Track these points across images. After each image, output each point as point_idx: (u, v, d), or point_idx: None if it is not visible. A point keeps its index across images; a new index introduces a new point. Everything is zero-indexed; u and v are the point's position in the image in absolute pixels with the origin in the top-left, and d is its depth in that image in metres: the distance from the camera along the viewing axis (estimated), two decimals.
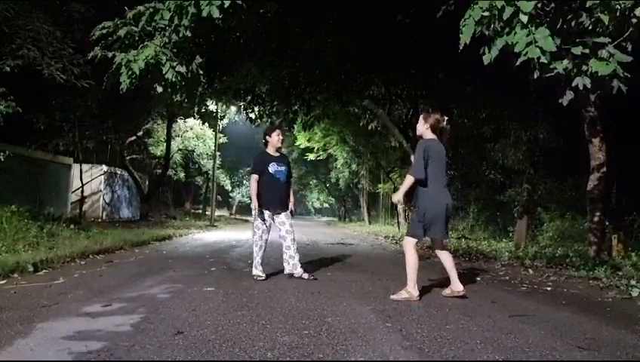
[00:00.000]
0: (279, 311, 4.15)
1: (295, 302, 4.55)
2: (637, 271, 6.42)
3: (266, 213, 5.91)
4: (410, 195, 5.08)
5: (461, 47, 4.29)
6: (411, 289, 4.77)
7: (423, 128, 4.94)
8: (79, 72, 9.66)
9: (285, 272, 6.10)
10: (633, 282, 5.82)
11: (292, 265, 6.02)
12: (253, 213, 5.92)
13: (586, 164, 8.18)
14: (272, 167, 5.95)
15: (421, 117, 5.02)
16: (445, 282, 5.26)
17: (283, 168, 6.05)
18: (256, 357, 2.86)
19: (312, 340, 3.24)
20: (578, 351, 3.15)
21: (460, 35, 4.31)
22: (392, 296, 4.81)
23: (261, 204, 5.86)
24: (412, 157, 5.48)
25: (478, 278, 6.67)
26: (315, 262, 7.97)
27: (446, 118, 4.99)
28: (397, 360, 2.89)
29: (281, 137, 6.09)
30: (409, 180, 4.75)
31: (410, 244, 4.88)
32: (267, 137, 6.09)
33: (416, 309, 4.39)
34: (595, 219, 7.91)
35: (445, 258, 4.99)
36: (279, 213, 5.99)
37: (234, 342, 3.14)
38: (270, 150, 6.07)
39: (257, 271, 5.93)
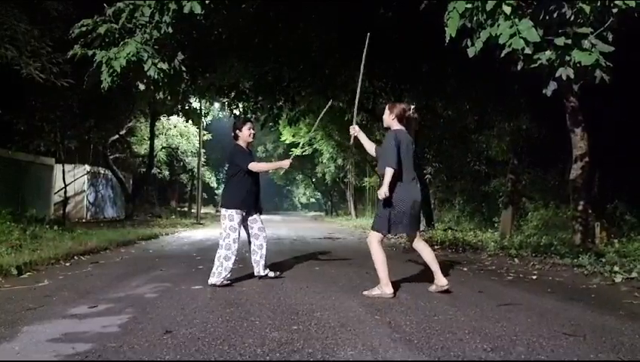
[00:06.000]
0: (268, 307, 4.14)
1: (283, 298, 4.54)
2: (620, 258, 6.53)
3: (240, 215, 5.33)
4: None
5: (447, 41, 4.30)
6: (384, 286, 4.64)
7: (389, 119, 4.84)
8: (59, 70, 9.51)
9: (256, 274, 5.59)
10: (616, 268, 5.93)
11: (262, 266, 5.57)
12: (227, 213, 5.27)
13: (569, 154, 8.28)
14: (252, 165, 5.39)
15: (386, 108, 4.91)
16: (431, 273, 5.29)
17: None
18: (245, 354, 2.85)
19: (301, 335, 3.24)
20: (564, 338, 3.20)
21: (445, 29, 4.32)
22: (364, 293, 4.71)
23: (238, 205, 5.29)
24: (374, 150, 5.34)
25: (465, 269, 6.73)
26: (302, 256, 7.98)
27: (412, 107, 4.92)
28: (387, 358, 2.89)
29: (252, 131, 5.55)
30: (390, 172, 4.52)
31: (375, 240, 4.72)
32: (237, 131, 5.52)
33: (405, 301, 4.41)
34: (579, 207, 8.01)
35: (424, 251, 4.85)
36: (252, 213, 5.54)
37: (223, 340, 3.12)
38: (242, 144, 5.52)
39: (220, 278, 5.16)
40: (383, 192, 4.54)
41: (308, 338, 3.16)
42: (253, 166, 5.34)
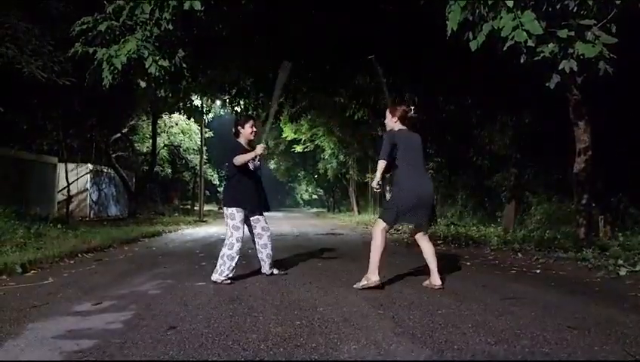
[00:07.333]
0: (271, 302, 4.15)
1: (286, 294, 4.54)
2: (624, 251, 6.50)
3: (242, 213, 5.27)
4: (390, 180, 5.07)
5: (448, 34, 4.28)
6: (371, 275, 4.67)
7: (392, 123, 4.91)
8: (60, 69, 9.50)
9: (263, 272, 5.61)
10: (620, 262, 5.89)
11: (269, 265, 5.58)
12: (228, 211, 5.25)
13: (572, 147, 8.24)
14: (251, 163, 5.33)
15: (387, 112, 4.95)
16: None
17: (259, 163, 5.52)
18: (249, 349, 2.85)
19: (304, 330, 3.24)
20: (568, 331, 3.19)
21: (447, 22, 4.30)
22: (354, 286, 4.74)
23: (238, 202, 5.24)
24: None
25: (469, 263, 6.72)
26: (305, 253, 7.98)
27: (412, 108, 4.99)
28: (390, 352, 2.89)
29: (254, 129, 5.44)
30: (381, 164, 4.71)
31: (379, 228, 4.76)
32: (239, 128, 5.42)
33: (408, 296, 4.41)
34: (583, 201, 7.98)
35: (425, 248, 4.87)
36: (257, 213, 5.49)
37: (227, 335, 3.12)
38: (243, 142, 5.42)
39: (222, 276, 5.14)
40: (375, 183, 4.82)
41: (311, 333, 3.16)
42: (236, 160, 5.16)
